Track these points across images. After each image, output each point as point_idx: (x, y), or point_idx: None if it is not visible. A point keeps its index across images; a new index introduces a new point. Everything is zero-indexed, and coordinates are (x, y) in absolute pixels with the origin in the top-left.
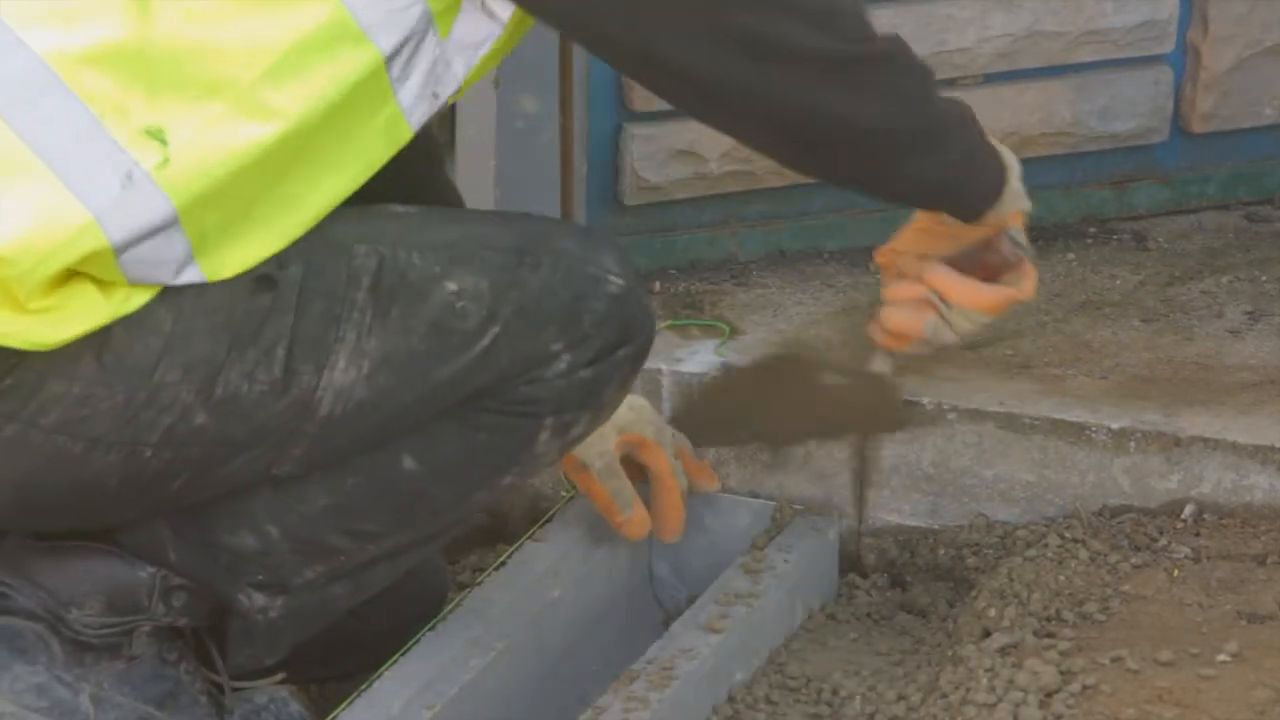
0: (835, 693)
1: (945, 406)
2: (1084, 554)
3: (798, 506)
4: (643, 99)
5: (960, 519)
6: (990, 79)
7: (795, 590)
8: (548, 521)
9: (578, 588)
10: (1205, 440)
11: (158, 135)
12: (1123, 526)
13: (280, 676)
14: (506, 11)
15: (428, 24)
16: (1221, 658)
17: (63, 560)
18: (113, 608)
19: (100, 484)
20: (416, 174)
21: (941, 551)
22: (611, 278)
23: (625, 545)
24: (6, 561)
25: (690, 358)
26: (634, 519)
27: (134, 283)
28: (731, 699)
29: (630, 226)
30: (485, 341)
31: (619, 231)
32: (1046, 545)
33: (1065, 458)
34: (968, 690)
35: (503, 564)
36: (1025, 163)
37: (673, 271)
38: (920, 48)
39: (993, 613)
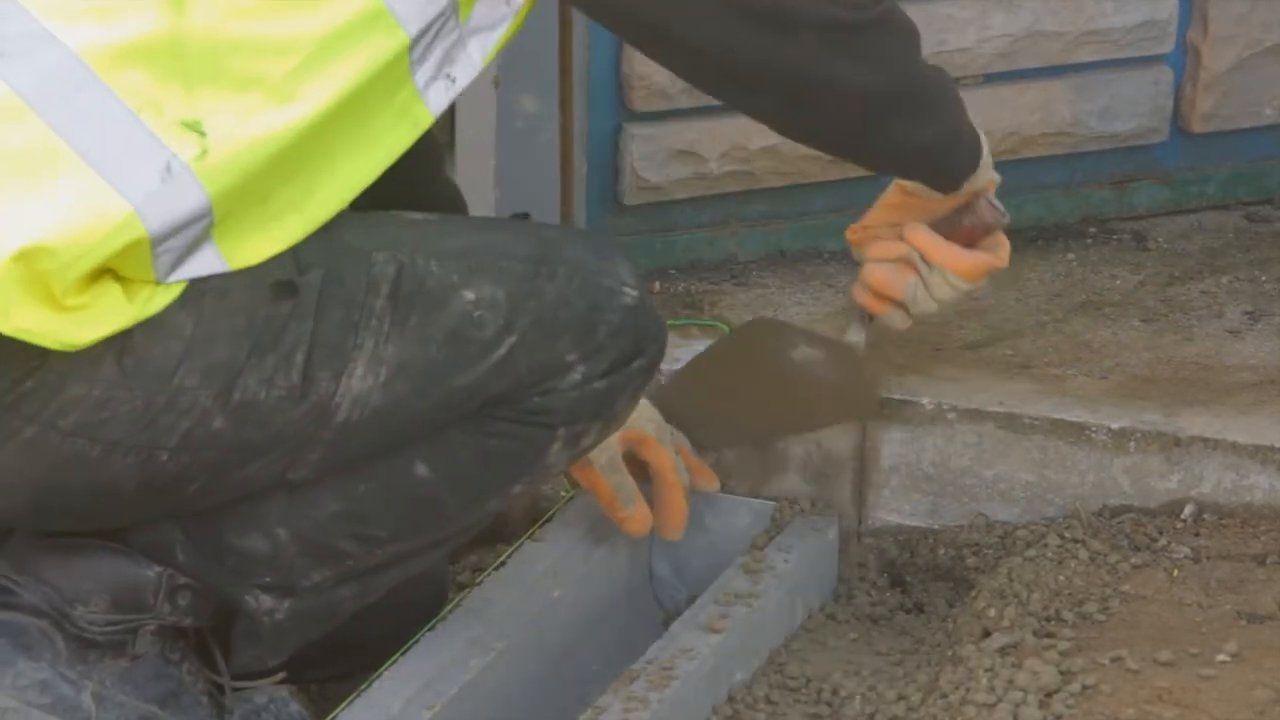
0: (835, 693)
1: (945, 406)
2: (1084, 554)
3: (798, 506)
4: (643, 99)
5: (960, 519)
6: (990, 79)
7: (795, 590)
8: (548, 521)
9: (578, 588)
10: (1205, 440)
11: (195, 127)
12: (1123, 526)
13: (280, 676)
14: None
15: (452, 9)
16: (1221, 658)
17: (69, 557)
18: (118, 605)
19: (117, 487)
20: (417, 174)
21: (941, 551)
22: (626, 289)
23: (625, 545)
24: (13, 558)
25: (690, 358)
26: (636, 515)
27: (161, 276)
28: (731, 699)
29: (630, 226)
30: (502, 351)
31: (619, 231)
32: (1046, 545)
33: (1065, 458)
34: (968, 690)
35: (503, 564)
36: (1025, 163)
37: (672, 271)
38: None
39: (992, 613)
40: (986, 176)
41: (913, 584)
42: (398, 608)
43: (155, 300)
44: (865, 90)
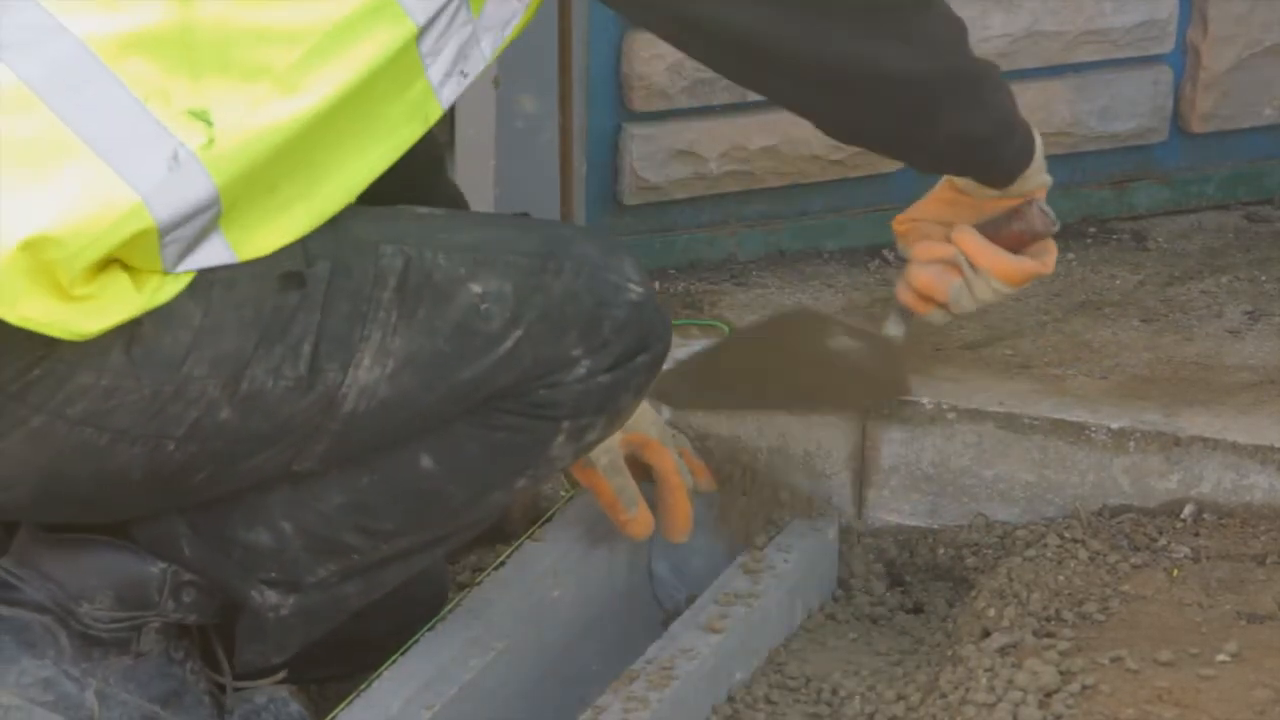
0: (835, 693)
1: (945, 406)
2: (1083, 554)
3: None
4: (642, 99)
5: (960, 519)
6: None
7: (795, 590)
8: (547, 521)
9: (578, 588)
10: (1205, 440)
11: (202, 116)
12: (1122, 526)
13: (280, 676)
14: None
15: (461, 1)
16: (1221, 658)
17: (73, 553)
18: (122, 602)
19: (123, 476)
20: (418, 174)
21: (941, 551)
22: (631, 285)
23: (625, 545)
24: (17, 554)
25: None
26: (638, 518)
27: (168, 266)
28: (731, 699)
29: (630, 226)
30: (508, 344)
31: (619, 231)
32: (1046, 545)
33: (1065, 458)
34: (967, 690)
35: (502, 564)
36: None
37: (672, 271)
38: None
39: (992, 613)
40: (1038, 179)
41: (913, 584)
42: (398, 607)
43: (164, 290)
44: (914, 76)
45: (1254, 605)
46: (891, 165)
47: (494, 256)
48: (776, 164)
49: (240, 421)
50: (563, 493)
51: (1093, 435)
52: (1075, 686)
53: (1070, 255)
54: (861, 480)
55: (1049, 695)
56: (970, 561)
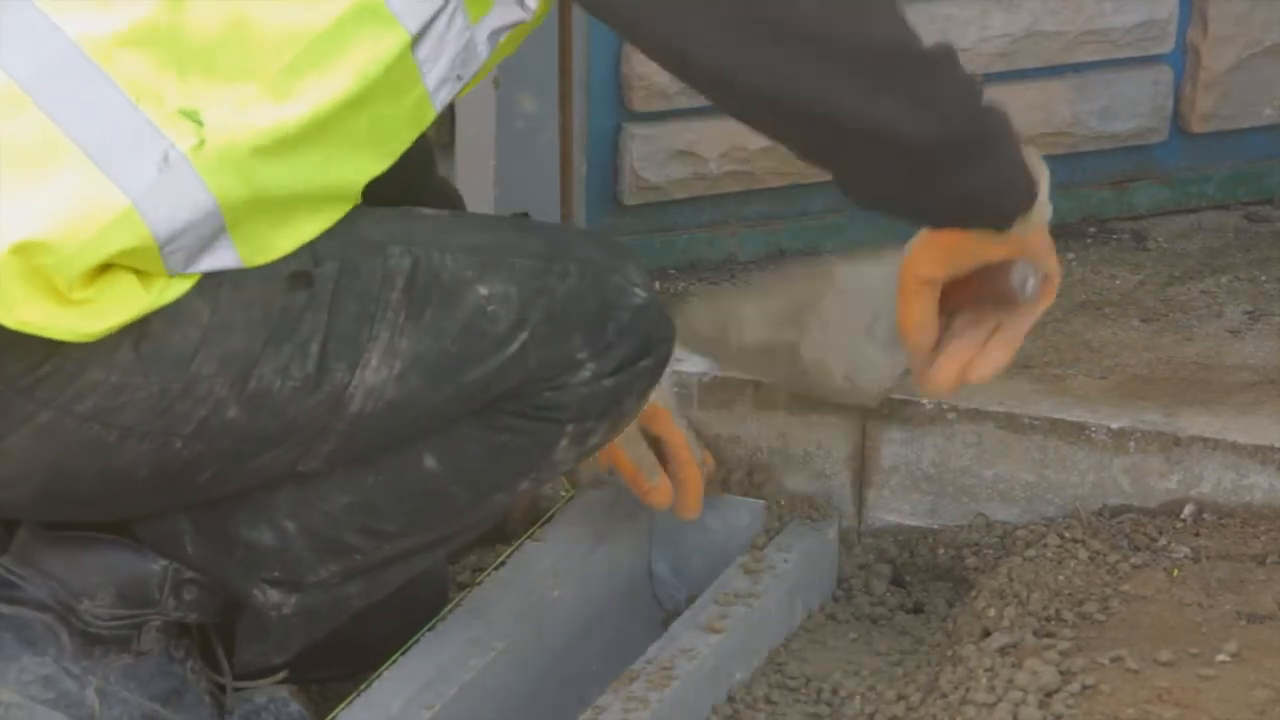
0: (835, 692)
1: (945, 406)
2: (1083, 554)
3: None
4: (642, 99)
5: (960, 519)
6: (990, 79)
7: (795, 590)
8: (547, 521)
9: (578, 588)
10: (1205, 440)
11: (193, 116)
12: (1122, 526)
13: (280, 676)
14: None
15: (456, 7)
16: (1221, 658)
17: (74, 550)
18: (123, 599)
19: (130, 474)
20: (412, 173)
21: (941, 551)
22: (635, 289)
23: (625, 545)
24: (18, 551)
25: (690, 358)
26: (661, 486)
27: (174, 273)
28: (731, 699)
29: (630, 226)
30: (514, 346)
31: (619, 231)
32: (1046, 545)
33: (1065, 458)
34: (967, 690)
35: (502, 564)
36: None
37: (672, 271)
38: None
39: (992, 613)
40: (1042, 215)
41: (913, 584)
42: (398, 608)
43: (172, 288)
44: (919, 141)
45: (1254, 605)
46: None
47: (500, 259)
48: (776, 164)
49: (247, 420)
50: (563, 493)
51: (1093, 435)
52: (1075, 686)
53: (1070, 255)
54: (861, 480)
55: (1049, 695)
56: (970, 561)
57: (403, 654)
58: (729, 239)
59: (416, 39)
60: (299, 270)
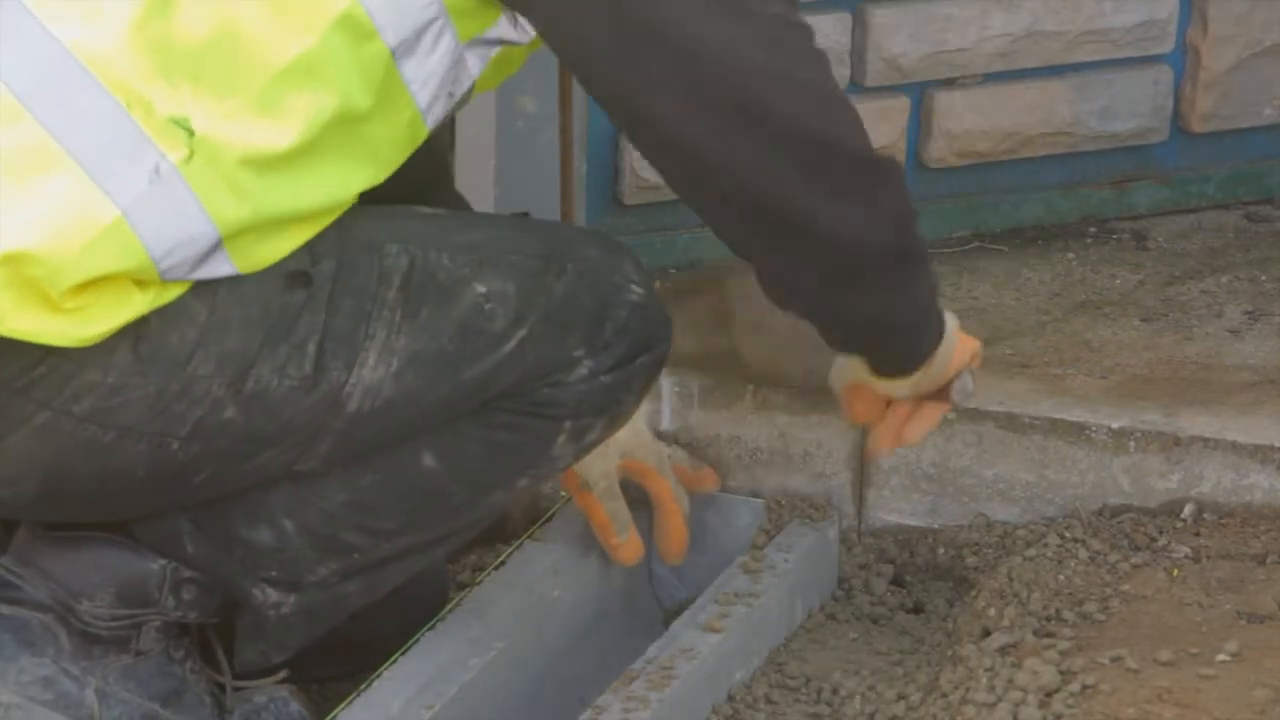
0: (835, 692)
1: None
2: (1084, 554)
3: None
4: None
5: (960, 519)
6: (990, 79)
7: (795, 590)
8: (547, 521)
9: (578, 587)
10: (1205, 440)
11: (183, 124)
12: (1122, 526)
13: (280, 676)
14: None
15: (444, 25)
16: (1221, 658)
17: (73, 551)
18: (122, 599)
19: (127, 474)
20: (426, 188)
21: (941, 551)
22: (633, 287)
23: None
24: (17, 552)
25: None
26: (629, 543)
27: (170, 280)
28: (731, 698)
29: (630, 226)
30: (511, 344)
31: (619, 231)
32: (1046, 545)
33: (1065, 457)
34: (967, 690)
35: (503, 564)
36: (1025, 163)
37: (672, 271)
38: (920, 48)
39: (992, 612)
40: (947, 366)
41: (913, 584)
42: (398, 607)
43: (169, 291)
44: (851, 242)
45: (1254, 605)
46: None
47: (497, 257)
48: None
49: (245, 421)
50: (563, 493)
51: (1093, 435)
52: (1075, 686)
53: (1070, 255)
54: (861, 480)
55: (1049, 695)
56: (970, 561)
57: (403, 654)
58: None
59: (400, 53)
60: (297, 270)
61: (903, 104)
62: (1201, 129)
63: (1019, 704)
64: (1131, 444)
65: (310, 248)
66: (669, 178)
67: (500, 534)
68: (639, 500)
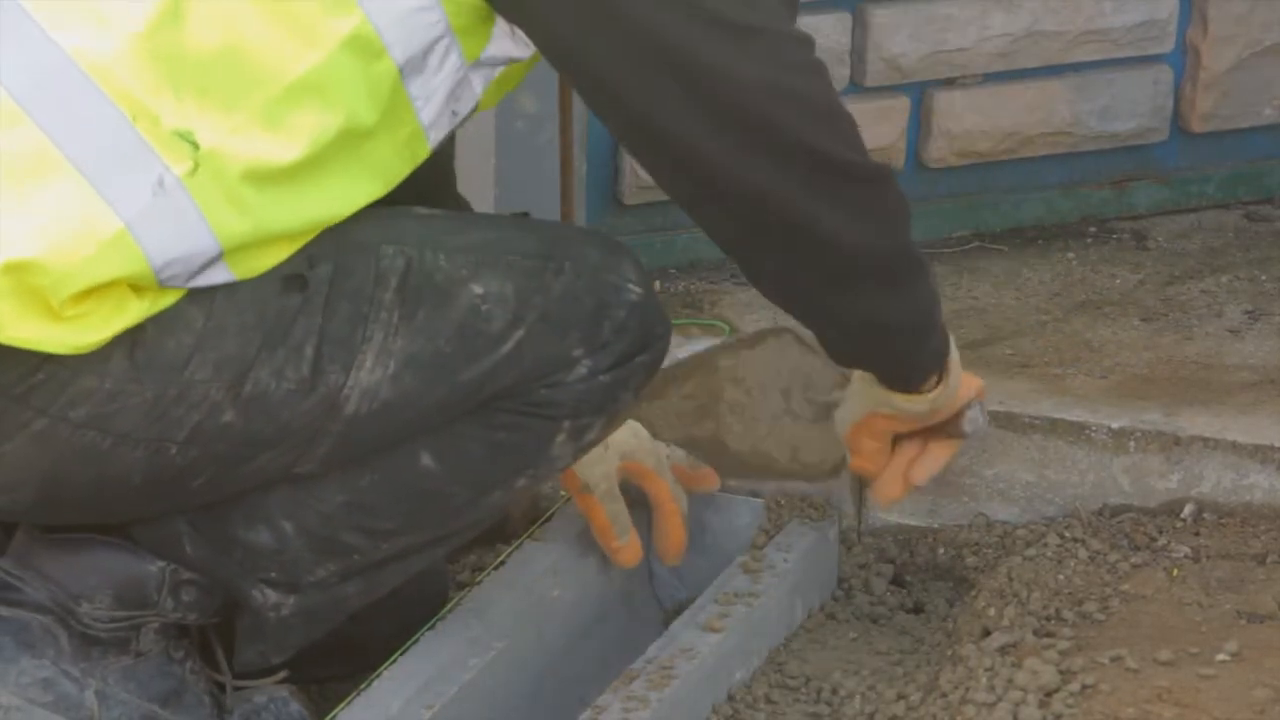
0: (835, 692)
1: None
2: (1083, 553)
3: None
4: None
5: (960, 518)
6: (990, 79)
7: (795, 589)
8: (547, 521)
9: (578, 587)
10: (1205, 440)
11: (188, 137)
12: (1122, 526)
13: (280, 676)
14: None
15: (450, 43)
16: (1221, 657)
17: (73, 553)
18: (121, 601)
19: (125, 479)
20: (429, 191)
21: (941, 551)
22: (631, 286)
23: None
24: (16, 554)
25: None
26: (629, 546)
27: (167, 286)
28: (731, 698)
29: (630, 226)
30: (509, 345)
31: (619, 231)
32: (1046, 545)
33: (1065, 457)
34: (967, 689)
35: (502, 564)
36: (1025, 163)
37: (672, 271)
38: (920, 48)
39: (992, 612)
40: (956, 393)
41: (913, 584)
42: (398, 607)
43: (165, 297)
44: (846, 243)
45: (1254, 605)
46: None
47: (495, 257)
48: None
49: (243, 424)
50: (563, 493)
51: (1093, 435)
52: (1075, 686)
53: (1070, 255)
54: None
55: (1049, 695)
56: (970, 561)
57: (403, 654)
58: None
59: (408, 72)
60: (293, 273)
61: (903, 104)
62: (1201, 129)
63: (1019, 704)
64: (1131, 444)
65: (306, 251)
66: (668, 187)
67: (500, 534)
68: (638, 501)
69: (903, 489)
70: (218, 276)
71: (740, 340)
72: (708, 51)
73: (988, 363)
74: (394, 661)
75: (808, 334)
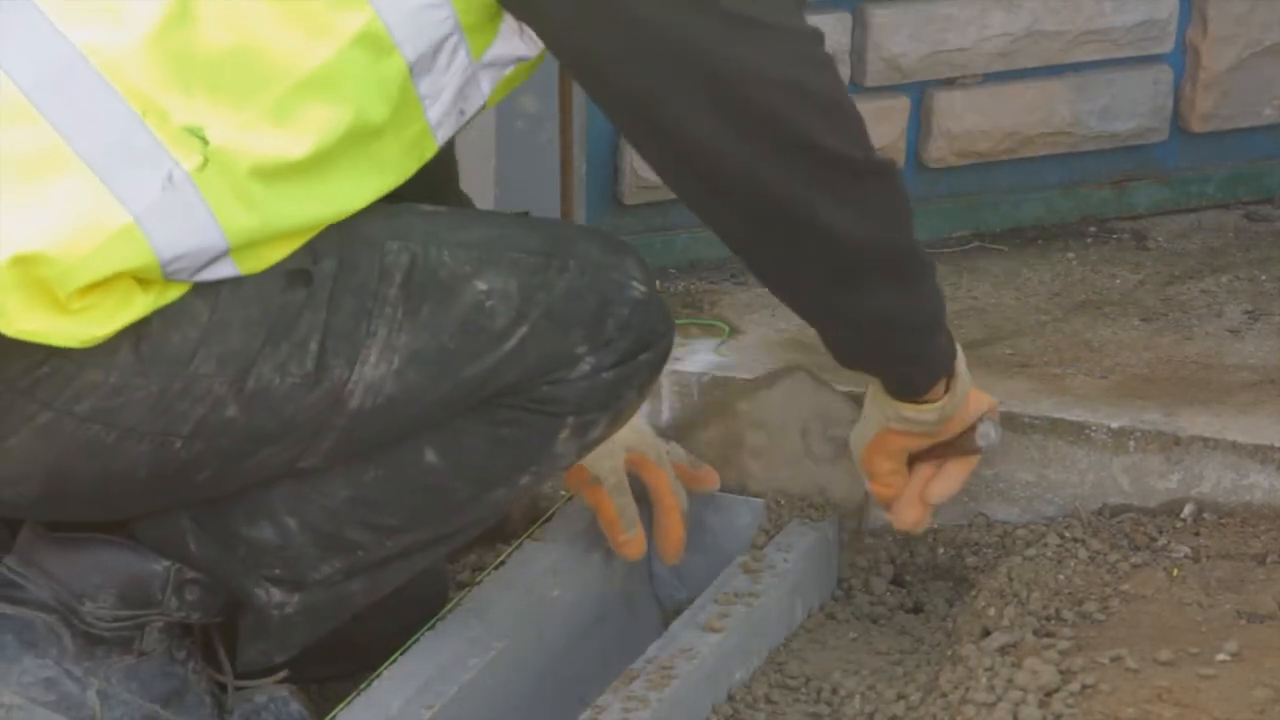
0: (835, 692)
1: None
2: (1083, 553)
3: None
4: None
5: (960, 518)
6: (990, 79)
7: (795, 589)
8: (547, 521)
9: (578, 587)
10: (1205, 440)
11: (198, 133)
12: (1122, 526)
13: (281, 676)
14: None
15: (459, 41)
16: (1221, 657)
17: (76, 551)
18: (125, 600)
19: (129, 474)
20: (433, 188)
21: (941, 551)
22: (635, 284)
23: None
24: (20, 552)
25: (689, 357)
26: (636, 539)
27: (172, 280)
28: (731, 698)
29: (630, 226)
30: (513, 342)
31: (619, 231)
32: (1046, 545)
33: (1065, 457)
34: (967, 689)
35: (502, 563)
36: (1025, 163)
37: (672, 271)
38: (920, 48)
39: (992, 612)
40: (963, 404)
41: (913, 583)
42: (398, 607)
43: (170, 290)
44: (850, 237)
45: (1254, 605)
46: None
47: (499, 254)
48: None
49: (247, 419)
50: (563, 493)
51: (1092, 435)
52: (1075, 686)
53: (1070, 255)
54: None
55: (1049, 695)
56: (970, 561)
57: (403, 654)
58: None
59: (417, 69)
60: (297, 268)
61: (903, 104)
62: (1201, 129)
63: (1019, 704)
64: (1131, 444)
65: (311, 246)
66: (673, 182)
67: (500, 534)
68: (639, 497)
69: (921, 511)
70: (223, 271)
71: (757, 381)
72: (716, 46)
73: (988, 363)
74: (394, 661)
75: (821, 360)
